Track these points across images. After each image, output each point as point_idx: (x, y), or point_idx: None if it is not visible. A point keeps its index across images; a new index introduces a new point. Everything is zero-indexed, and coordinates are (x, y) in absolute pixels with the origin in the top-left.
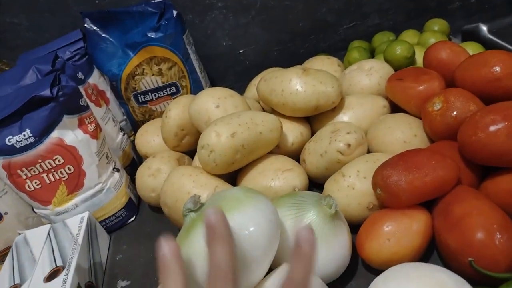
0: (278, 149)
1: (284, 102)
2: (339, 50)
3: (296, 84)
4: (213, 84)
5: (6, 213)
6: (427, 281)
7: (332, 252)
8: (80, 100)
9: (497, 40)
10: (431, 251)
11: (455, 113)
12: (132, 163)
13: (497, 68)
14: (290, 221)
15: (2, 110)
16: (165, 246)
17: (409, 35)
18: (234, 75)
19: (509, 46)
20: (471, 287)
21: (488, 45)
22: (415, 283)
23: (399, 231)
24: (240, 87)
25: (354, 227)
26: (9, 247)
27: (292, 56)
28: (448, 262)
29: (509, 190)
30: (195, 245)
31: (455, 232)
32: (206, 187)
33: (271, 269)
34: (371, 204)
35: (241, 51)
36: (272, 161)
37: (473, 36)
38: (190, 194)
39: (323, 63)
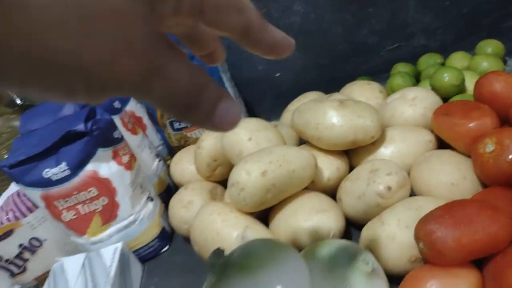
0: (313, 185)
1: (319, 136)
2: (381, 73)
3: (332, 118)
4: (249, 109)
5: (46, 240)
6: None
7: None
8: (114, 132)
9: None
10: None
11: (510, 157)
12: (168, 189)
13: None
14: (321, 278)
15: (39, 144)
16: None
17: (458, 58)
18: (271, 99)
19: None
20: None
21: None
22: None
23: None
24: (277, 111)
25: (395, 280)
26: (47, 272)
27: (331, 80)
28: None
29: None
30: None
31: None
32: (235, 226)
33: None
34: (413, 257)
35: (277, 75)
36: (306, 200)
37: None
38: (219, 233)
39: (363, 90)
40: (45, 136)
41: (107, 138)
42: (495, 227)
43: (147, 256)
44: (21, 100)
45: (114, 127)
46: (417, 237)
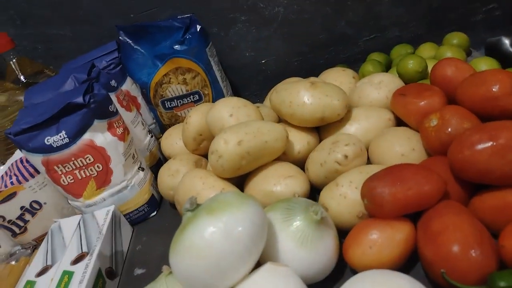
0: (285, 157)
1: (292, 113)
2: (358, 62)
3: (304, 97)
4: (236, 92)
5: (45, 203)
6: (389, 286)
7: (316, 254)
8: (110, 106)
9: None
10: (416, 261)
11: (449, 130)
12: (158, 162)
13: (495, 88)
14: (279, 224)
15: (42, 114)
16: None
17: (427, 49)
18: (257, 84)
19: None
20: None
21: (509, 59)
22: (377, 287)
23: (382, 240)
24: (262, 95)
25: (346, 233)
26: (46, 234)
27: (311, 67)
28: (426, 272)
29: (494, 207)
30: (187, 241)
31: (432, 245)
32: (213, 189)
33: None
34: (360, 213)
35: (263, 61)
36: (277, 168)
37: (496, 49)
38: (199, 194)
39: (338, 75)
40: (47, 107)
41: (103, 111)
42: (428, 186)
43: (137, 219)
44: (25, 78)
45: (109, 101)
46: (362, 195)
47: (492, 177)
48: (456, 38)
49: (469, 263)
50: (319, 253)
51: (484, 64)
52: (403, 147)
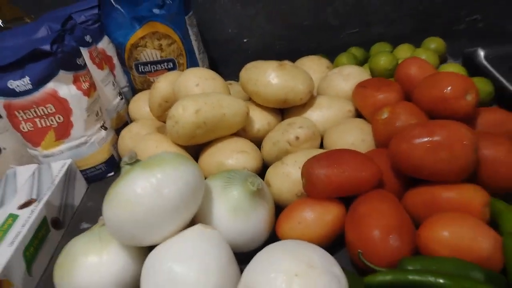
0: (244, 133)
1: (256, 91)
2: (339, 53)
3: (269, 76)
4: (215, 67)
5: (4, 149)
6: (297, 254)
7: (247, 223)
8: (78, 59)
9: (489, 67)
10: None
11: (397, 124)
12: (125, 125)
13: (447, 90)
14: (217, 190)
15: (7, 57)
16: None
17: (404, 49)
18: (236, 62)
19: (497, 75)
20: (339, 268)
21: (481, 70)
22: (286, 254)
23: (311, 217)
24: None
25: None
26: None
27: (293, 52)
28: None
29: (422, 201)
30: (119, 192)
31: (355, 227)
32: None
33: None
34: (300, 192)
35: (245, 40)
36: (232, 142)
37: (471, 59)
38: None
39: (313, 63)
40: (14, 51)
41: (70, 63)
42: (363, 172)
43: (93, 177)
44: (3, 23)
45: (78, 54)
46: (302, 174)
47: (424, 172)
48: (434, 43)
49: (385, 247)
50: (250, 223)
51: (452, 70)
52: (353, 137)
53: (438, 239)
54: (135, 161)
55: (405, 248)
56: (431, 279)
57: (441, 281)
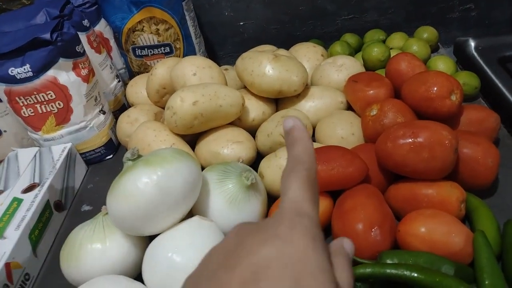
0: (240, 123)
1: (252, 82)
2: (334, 39)
3: (265, 68)
4: (211, 50)
5: (5, 131)
6: None
7: (241, 214)
8: (77, 46)
9: (478, 57)
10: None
11: (384, 121)
12: (122, 108)
13: (433, 89)
14: (214, 183)
15: (9, 44)
16: (291, 120)
17: (397, 38)
18: (232, 45)
19: (484, 66)
20: None
21: (470, 61)
22: None
23: None
24: (236, 57)
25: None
26: (2, 160)
27: (288, 36)
28: None
29: (403, 196)
30: (123, 186)
31: (340, 220)
32: (164, 142)
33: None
34: None
35: (241, 23)
36: (228, 132)
37: (462, 49)
38: (150, 145)
39: (308, 51)
40: (15, 38)
41: (69, 50)
42: (350, 168)
43: (92, 159)
44: (1, 2)
45: (77, 41)
46: None
47: (406, 170)
48: (427, 32)
49: (367, 240)
50: (244, 213)
51: (442, 63)
52: (343, 131)
53: (416, 234)
54: (137, 157)
55: (386, 241)
56: (407, 273)
57: (415, 275)
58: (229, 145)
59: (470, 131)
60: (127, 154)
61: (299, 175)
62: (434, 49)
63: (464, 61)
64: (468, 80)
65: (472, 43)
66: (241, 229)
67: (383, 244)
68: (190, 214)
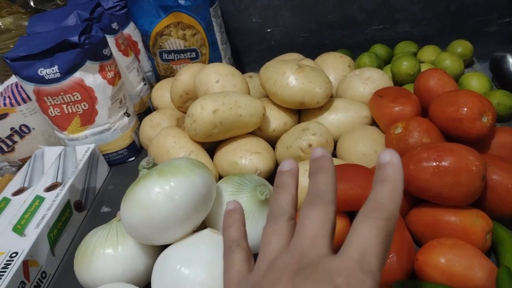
0: (260, 132)
1: (274, 92)
2: (363, 49)
3: (288, 78)
4: (237, 56)
5: (34, 128)
6: None
7: (255, 229)
8: (104, 50)
9: None
10: None
11: (409, 140)
12: (147, 110)
13: (462, 110)
14: (228, 196)
15: (39, 46)
16: (388, 154)
17: (429, 51)
18: (259, 52)
19: None
20: None
21: (507, 78)
22: None
23: None
24: (262, 64)
25: None
26: (31, 156)
27: (316, 45)
28: None
29: (425, 222)
30: (136, 195)
31: None
32: (183, 149)
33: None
34: None
35: (268, 30)
36: (247, 142)
37: (499, 65)
38: (169, 152)
39: (335, 61)
40: (45, 39)
41: (96, 53)
42: (370, 189)
43: (115, 161)
44: (34, 4)
45: (105, 45)
46: None
47: (429, 194)
48: (461, 46)
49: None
50: (257, 229)
51: (475, 80)
52: (366, 147)
53: (435, 265)
54: (152, 165)
55: (403, 270)
56: None
57: None
58: (248, 155)
59: (501, 156)
60: (143, 162)
61: (378, 223)
62: (469, 64)
63: (500, 78)
64: (503, 99)
65: (510, 59)
66: (284, 268)
67: (400, 273)
68: (202, 224)
